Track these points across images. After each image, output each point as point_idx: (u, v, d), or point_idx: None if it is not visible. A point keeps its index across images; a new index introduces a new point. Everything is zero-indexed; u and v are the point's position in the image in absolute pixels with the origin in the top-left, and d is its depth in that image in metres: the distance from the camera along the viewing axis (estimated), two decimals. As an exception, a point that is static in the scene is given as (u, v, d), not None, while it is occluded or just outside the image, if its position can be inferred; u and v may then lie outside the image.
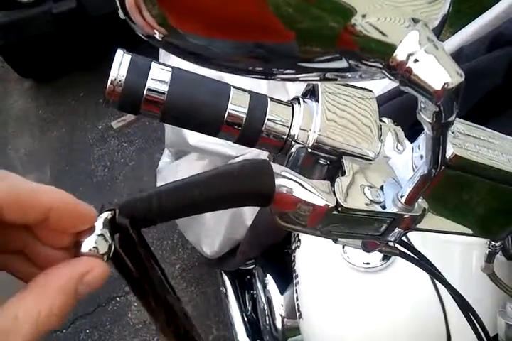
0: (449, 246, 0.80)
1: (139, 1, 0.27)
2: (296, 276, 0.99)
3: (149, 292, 0.35)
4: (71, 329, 2.17)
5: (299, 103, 0.43)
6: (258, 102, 0.42)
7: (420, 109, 0.30)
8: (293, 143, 0.42)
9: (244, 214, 1.36)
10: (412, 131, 0.47)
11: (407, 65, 0.27)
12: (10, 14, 2.81)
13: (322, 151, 0.42)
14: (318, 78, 0.32)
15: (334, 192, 0.38)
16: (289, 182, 0.37)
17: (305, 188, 0.38)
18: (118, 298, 2.23)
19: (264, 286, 1.27)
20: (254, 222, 1.26)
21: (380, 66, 0.28)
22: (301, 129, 0.42)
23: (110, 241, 0.31)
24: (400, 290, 0.83)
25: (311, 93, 0.45)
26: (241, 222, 1.37)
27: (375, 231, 0.41)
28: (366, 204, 0.39)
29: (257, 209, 1.25)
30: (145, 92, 0.39)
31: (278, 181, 0.37)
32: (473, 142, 0.41)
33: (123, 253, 0.33)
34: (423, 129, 0.47)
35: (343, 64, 0.29)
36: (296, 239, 1.03)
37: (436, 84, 0.27)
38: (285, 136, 0.42)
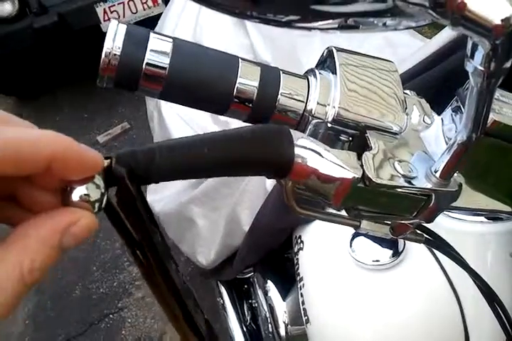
0: (462, 237, 0.76)
1: None
2: (301, 280, 0.95)
3: (148, 254, 0.32)
4: (65, 348, 2.12)
5: (315, 75, 0.40)
6: (270, 75, 0.39)
7: (469, 56, 0.27)
8: (310, 118, 0.39)
9: (241, 219, 1.31)
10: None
11: (459, 0, 0.24)
12: (-10, 30, 2.77)
13: (343, 126, 0.38)
14: (337, 26, 0.28)
15: (362, 166, 0.35)
16: (310, 151, 0.33)
17: (329, 159, 0.34)
18: (111, 315, 2.19)
19: (266, 293, 1.23)
20: (252, 226, 1.22)
21: (426, 4, 0.25)
22: (318, 104, 0.38)
23: (103, 190, 0.28)
24: (412, 288, 0.80)
25: (325, 65, 0.41)
26: (238, 228, 1.32)
27: (408, 210, 0.37)
28: (398, 179, 0.35)
29: (254, 214, 1.21)
30: (144, 66, 0.35)
31: (298, 150, 0.33)
32: (510, 108, 0.38)
33: (121, 212, 0.31)
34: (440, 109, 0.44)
35: (388, 4, 0.26)
36: (299, 240, 0.99)
37: (496, 18, 0.24)
38: (301, 112, 0.39)
